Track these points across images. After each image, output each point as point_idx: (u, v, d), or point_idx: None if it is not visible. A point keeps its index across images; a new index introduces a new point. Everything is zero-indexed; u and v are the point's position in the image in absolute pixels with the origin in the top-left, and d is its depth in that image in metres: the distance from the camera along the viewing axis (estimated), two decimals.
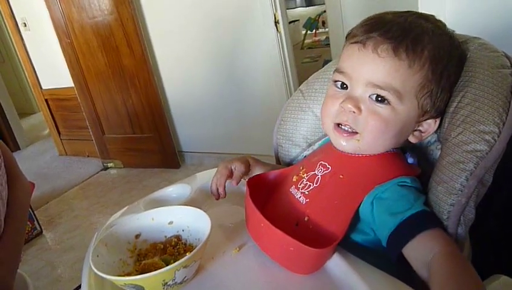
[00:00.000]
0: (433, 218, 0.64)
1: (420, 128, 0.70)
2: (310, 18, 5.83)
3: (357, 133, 0.68)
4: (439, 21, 0.70)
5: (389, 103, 0.65)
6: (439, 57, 0.65)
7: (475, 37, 0.74)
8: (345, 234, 0.64)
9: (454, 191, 0.62)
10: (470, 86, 0.67)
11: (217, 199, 0.86)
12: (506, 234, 0.89)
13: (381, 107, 0.65)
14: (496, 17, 1.41)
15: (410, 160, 0.71)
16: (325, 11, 4.68)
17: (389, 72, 0.64)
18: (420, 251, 0.60)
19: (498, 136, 0.61)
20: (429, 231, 0.61)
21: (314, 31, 6.00)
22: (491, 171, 0.63)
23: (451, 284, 0.54)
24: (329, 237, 0.64)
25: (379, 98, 0.65)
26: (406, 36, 0.63)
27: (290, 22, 3.53)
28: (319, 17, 5.78)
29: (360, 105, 0.66)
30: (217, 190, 0.85)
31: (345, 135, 0.69)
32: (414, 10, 0.71)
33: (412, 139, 0.70)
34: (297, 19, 6.01)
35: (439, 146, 0.74)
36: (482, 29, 1.42)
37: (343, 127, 0.69)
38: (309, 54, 5.29)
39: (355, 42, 0.67)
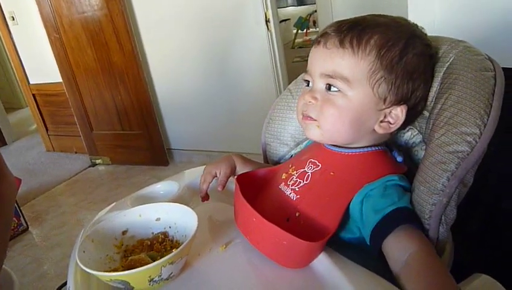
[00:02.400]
0: (414, 216, 0.66)
1: (389, 119, 0.71)
2: (301, 17, 5.85)
3: (316, 120, 0.72)
4: (403, 19, 0.73)
5: (340, 90, 0.69)
6: (388, 45, 0.67)
7: (460, 41, 0.75)
8: (336, 229, 0.65)
9: (436, 191, 0.64)
10: (453, 88, 0.68)
11: (202, 201, 0.90)
12: (488, 234, 0.91)
13: (333, 95, 0.70)
14: (484, 20, 1.43)
15: (399, 158, 0.73)
16: (316, 11, 4.69)
17: (335, 61, 0.69)
18: (396, 249, 0.62)
19: (479, 138, 0.62)
20: (407, 227, 0.63)
21: (305, 30, 6.01)
22: (472, 172, 0.64)
23: (424, 285, 0.57)
24: (320, 231, 0.65)
25: (330, 87, 0.70)
26: (353, 29, 0.68)
27: (281, 21, 3.54)
28: (310, 17, 5.80)
29: (316, 95, 0.71)
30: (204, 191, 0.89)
31: (308, 120, 0.73)
32: (403, 10, 0.72)
33: (379, 130, 0.71)
34: (288, 18, 6.01)
35: (424, 147, 0.75)
36: (470, 31, 1.44)
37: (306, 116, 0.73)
38: (299, 54, 5.30)
39: (314, 42, 0.73)
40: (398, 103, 0.70)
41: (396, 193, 0.67)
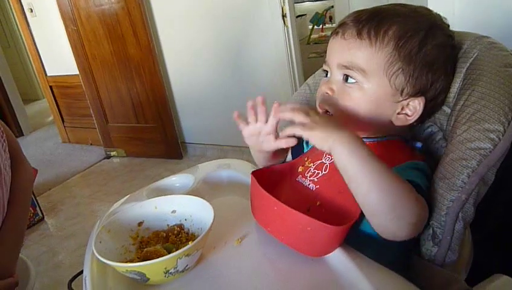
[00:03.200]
0: (423, 194, 0.64)
1: (406, 111, 0.70)
2: (317, 13, 5.80)
3: (331, 115, 0.71)
4: (425, 9, 0.71)
5: (356, 81, 0.68)
6: (407, 36, 0.66)
7: (483, 36, 0.74)
8: (360, 215, 0.63)
9: (455, 187, 0.62)
10: (477, 84, 0.66)
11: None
12: (508, 234, 0.89)
13: (350, 87, 0.69)
14: (505, 15, 1.40)
15: (418, 144, 0.72)
16: (332, 6, 4.65)
17: (353, 52, 0.68)
18: None
19: (503, 135, 0.61)
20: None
21: (321, 26, 5.97)
22: (493, 170, 0.63)
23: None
24: (343, 218, 0.64)
25: (347, 79, 0.69)
26: (372, 19, 0.68)
27: (297, 16, 3.51)
28: (326, 12, 5.75)
29: (332, 86, 0.71)
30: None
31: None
32: (423, 2, 0.71)
33: (396, 122, 0.71)
34: (304, 13, 5.97)
35: (444, 144, 0.74)
36: (490, 27, 1.41)
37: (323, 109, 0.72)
38: (315, 49, 5.26)
39: (333, 32, 0.73)
40: (415, 94, 0.69)
41: (415, 173, 0.66)
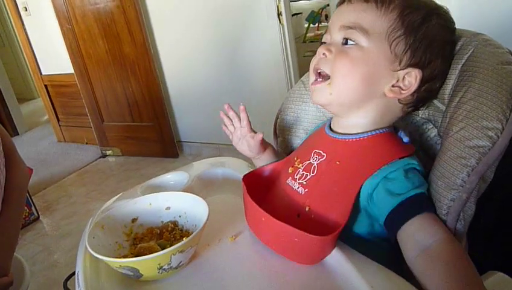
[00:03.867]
0: (433, 204, 0.65)
1: (400, 84, 0.69)
2: (313, 11, 5.80)
3: (328, 77, 0.70)
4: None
5: (356, 43, 0.68)
6: (411, 9, 0.67)
7: (479, 33, 0.73)
8: (347, 221, 0.63)
9: (455, 186, 0.62)
10: (473, 81, 0.66)
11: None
12: (504, 231, 0.90)
13: (349, 48, 0.68)
14: (501, 13, 1.40)
15: (405, 139, 0.71)
16: (328, 5, 4.64)
17: (357, 13, 0.68)
18: (419, 233, 0.61)
19: (501, 133, 0.60)
20: (430, 214, 0.62)
21: (316, 24, 5.97)
22: (492, 168, 0.62)
23: (457, 272, 0.56)
24: (332, 224, 0.64)
25: (347, 42, 0.68)
26: None
27: (292, 15, 3.51)
28: (322, 11, 5.74)
29: (330, 48, 0.70)
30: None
31: (319, 83, 0.71)
32: None
33: (389, 94, 0.69)
34: (300, 11, 5.97)
35: (439, 140, 0.74)
36: (487, 25, 1.41)
37: (318, 71, 0.72)
38: (311, 48, 5.26)
39: (338, 3, 0.73)
40: (413, 65, 0.68)
41: (417, 177, 0.65)
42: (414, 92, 0.69)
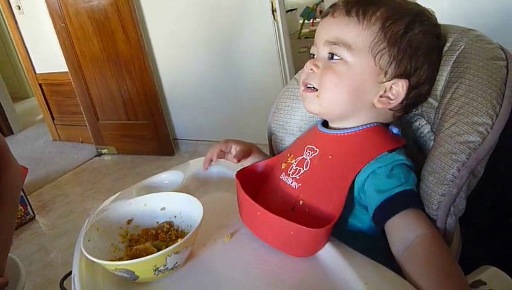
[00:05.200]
0: (420, 201, 0.66)
1: (388, 94, 0.70)
2: (307, 7, 5.78)
3: (316, 90, 0.72)
4: (414, 3, 0.73)
5: (341, 58, 0.69)
6: (394, 19, 0.67)
7: (470, 29, 0.74)
8: (342, 214, 0.64)
9: (445, 181, 0.63)
10: (464, 76, 0.66)
11: (204, 170, 0.89)
12: (496, 226, 0.90)
13: (335, 63, 0.70)
14: (493, 9, 1.41)
15: (394, 130, 0.72)
16: (322, 1, 4.63)
17: (340, 28, 0.69)
18: (402, 228, 0.62)
19: (491, 128, 0.61)
20: (414, 210, 0.63)
21: (311, 20, 5.96)
22: (483, 163, 0.63)
23: (432, 274, 0.57)
24: (326, 217, 0.64)
25: (333, 56, 0.70)
26: (362, 0, 0.69)
27: (287, 11, 3.50)
28: (316, 7, 5.73)
29: (318, 63, 0.71)
30: (210, 160, 0.88)
31: (308, 92, 0.73)
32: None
33: (378, 105, 0.70)
34: (294, 7, 5.96)
35: (433, 137, 0.74)
36: (478, 21, 1.41)
37: (307, 85, 0.73)
38: (306, 44, 5.24)
39: (323, 15, 0.74)
40: (399, 76, 0.69)
41: (403, 173, 0.66)
42: (403, 100, 0.70)
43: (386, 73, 0.69)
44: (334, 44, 0.69)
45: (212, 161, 0.88)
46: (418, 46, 0.68)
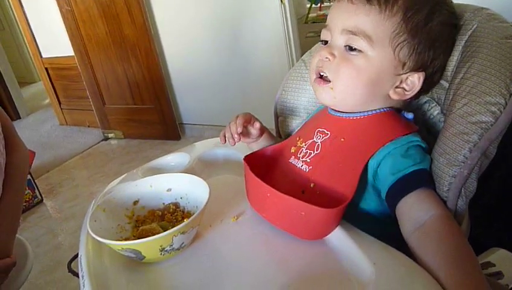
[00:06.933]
0: (433, 181, 0.65)
1: (404, 85, 0.69)
2: None
3: (330, 81, 0.69)
4: None
5: (361, 50, 0.66)
6: (415, 9, 0.65)
7: (483, 8, 0.72)
8: (354, 197, 0.63)
9: (456, 162, 0.61)
10: (476, 56, 0.65)
11: (233, 144, 0.82)
12: (505, 208, 0.89)
13: (353, 55, 0.67)
14: None
15: (409, 116, 0.71)
16: None
17: (360, 17, 0.66)
18: (415, 208, 0.61)
19: (504, 108, 0.60)
20: (427, 190, 0.63)
21: (319, 4, 5.89)
22: (495, 144, 0.62)
23: (444, 254, 0.56)
24: (338, 199, 0.63)
25: (352, 48, 0.67)
26: None
27: None
28: None
29: (334, 52, 0.69)
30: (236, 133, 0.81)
31: (321, 83, 0.70)
32: None
33: (393, 96, 0.69)
34: None
35: (443, 118, 0.73)
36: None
37: (320, 74, 0.71)
38: (313, 29, 5.19)
39: None
40: (416, 69, 0.68)
41: (419, 154, 0.65)
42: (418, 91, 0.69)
43: (404, 65, 0.67)
44: (353, 34, 0.66)
45: (237, 135, 0.81)
46: (436, 37, 0.67)
